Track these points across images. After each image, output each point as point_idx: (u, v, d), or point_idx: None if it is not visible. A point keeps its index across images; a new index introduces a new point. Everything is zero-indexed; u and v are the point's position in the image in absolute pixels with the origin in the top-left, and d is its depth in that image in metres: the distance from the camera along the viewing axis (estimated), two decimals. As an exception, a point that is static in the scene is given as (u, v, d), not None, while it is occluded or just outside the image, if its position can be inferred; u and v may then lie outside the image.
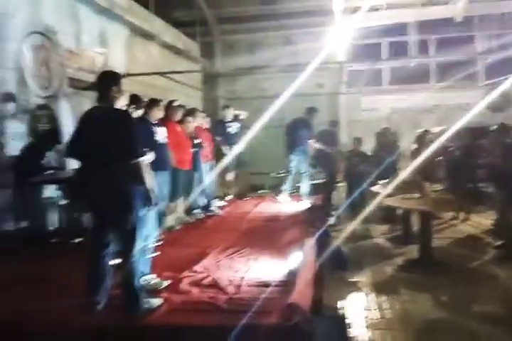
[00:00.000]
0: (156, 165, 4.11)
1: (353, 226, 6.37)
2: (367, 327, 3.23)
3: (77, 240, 4.28)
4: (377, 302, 3.68)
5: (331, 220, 5.77)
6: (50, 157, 4.97)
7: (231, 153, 6.46)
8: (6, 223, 4.66)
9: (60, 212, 4.76)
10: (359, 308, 3.56)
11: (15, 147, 4.85)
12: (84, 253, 2.85)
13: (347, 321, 3.12)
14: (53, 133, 5.05)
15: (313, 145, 6.68)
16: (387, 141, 7.53)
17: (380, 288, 4.03)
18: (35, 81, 5.41)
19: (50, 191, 4.81)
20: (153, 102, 4.62)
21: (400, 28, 11.57)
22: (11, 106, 4.97)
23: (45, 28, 5.62)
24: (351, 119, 11.62)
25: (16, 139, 4.94)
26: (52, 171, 4.48)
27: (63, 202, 4.66)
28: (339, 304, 3.59)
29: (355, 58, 11.63)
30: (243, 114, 6.91)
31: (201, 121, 6.15)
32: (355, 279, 4.25)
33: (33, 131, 5.23)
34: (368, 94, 11.61)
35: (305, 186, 6.48)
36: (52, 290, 3.01)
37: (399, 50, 11.78)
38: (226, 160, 6.36)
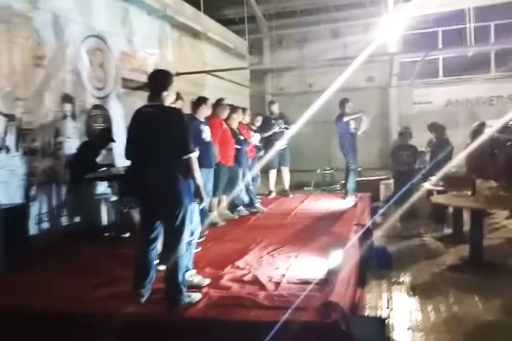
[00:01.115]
0: (201, 163, 4.27)
1: (400, 224, 6.22)
2: (410, 329, 3.16)
3: (126, 234, 4.52)
4: (422, 304, 3.57)
5: (377, 217, 5.64)
6: (103, 155, 5.26)
7: (275, 150, 6.49)
8: (61, 218, 5.01)
9: (111, 207, 5.03)
10: (403, 309, 3.48)
11: (72, 145, 5.18)
12: (133, 247, 3.02)
13: (388, 322, 3.08)
14: (107, 132, 5.29)
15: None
16: (437, 136, 7.22)
17: (426, 288, 3.91)
18: (91, 82, 5.73)
19: (103, 187, 5.09)
20: (202, 100, 4.73)
21: (457, 16, 10.98)
22: (68, 107, 5.30)
23: (100, 31, 5.92)
24: (402, 113, 11.25)
25: (73, 138, 5.27)
26: (104, 168, 4.73)
27: (114, 198, 4.91)
28: (381, 304, 3.53)
29: (407, 49, 11.21)
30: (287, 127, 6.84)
31: (246, 118, 6.25)
32: (400, 279, 4.14)
33: (89, 130, 5.56)
34: (420, 87, 11.16)
35: (350, 182, 6.38)
36: (101, 281, 3.20)
37: (455, 38, 11.19)
38: (271, 157, 6.40)
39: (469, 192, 5.00)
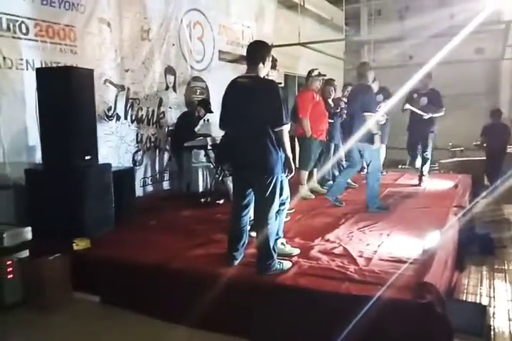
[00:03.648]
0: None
1: (506, 207, 5.71)
2: (512, 319, 2.93)
3: (221, 201, 4.72)
4: (527, 295, 3.28)
5: (479, 200, 5.23)
6: (201, 125, 5.49)
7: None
8: (163, 182, 5.38)
9: (208, 175, 5.28)
10: (505, 298, 3.23)
11: (173, 115, 5.47)
12: (227, 213, 3.15)
13: (488, 310, 2.88)
14: (205, 103, 5.48)
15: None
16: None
17: (533, 279, 3.58)
18: (191, 55, 5.94)
19: (201, 156, 5.35)
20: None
21: None
22: (170, 79, 5.57)
23: (200, 4, 6.05)
24: (517, 88, 10.13)
25: (174, 108, 5.56)
26: (201, 138, 4.95)
27: (211, 166, 5.13)
28: (481, 291, 3.31)
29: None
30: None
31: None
32: (503, 266, 3.83)
33: (188, 101, 5.81)
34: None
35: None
36: (197, 242, 3.40)
37: None
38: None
39: None
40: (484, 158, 7.16)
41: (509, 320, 2.90)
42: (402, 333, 2.31)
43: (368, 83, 4.41)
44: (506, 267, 3.81)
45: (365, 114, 4.25)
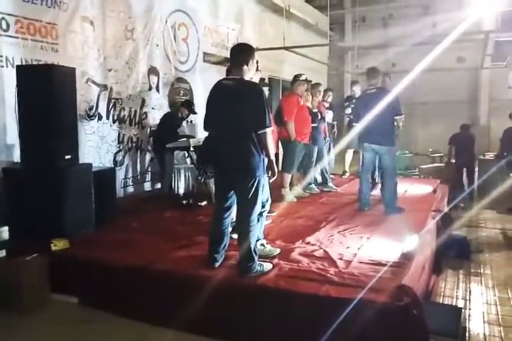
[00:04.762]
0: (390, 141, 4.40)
1: (482, 213, 5.84)
2: (488, 322, 2.99)
3: (203, 203, 4.70)
4: (503, 298, 3.36)
5: (457, 205, 5.34)
6: (185, 126, 5.46)
7: (354, 130, 6.29)
8: (144, 184, 5.33)
9: (190, 176, 5.25)
10: (480, 302, 3.30)
11: (155, 116, 5.43)
12: (209, 215, 3.13)
13: (463, 313, 2.94)
14: (189, 104, 5.42)
15: None
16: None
17: (509, 282, 3.66)
18: (175, 56, 5.92)
19: (183, 157, 5.31)
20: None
21: None
22: (154, 79, 5.53)
23: (185, 6, 6.04)
24: (495, 98, 10.39)
25: (157, 109, 5.52)
26: (184, 139, 4.91)
27: (193, 167, 5.10)
28: (457, 294, 3.38)
29: (505, 27, 10.21)
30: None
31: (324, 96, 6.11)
32: (479, 270, 3.92)
33: (172, 102, 5.78)
34: (518, 69, 10.19)
35: None
36: (178, 244, 3.38)
37: None
38: (348, 137, 6.22)
39: None
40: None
41: (484, 322, 2.96)
42: (380, 335, 2.33)
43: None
44: (482, 271, 3.90)
45: (397, 117, 4.38)
